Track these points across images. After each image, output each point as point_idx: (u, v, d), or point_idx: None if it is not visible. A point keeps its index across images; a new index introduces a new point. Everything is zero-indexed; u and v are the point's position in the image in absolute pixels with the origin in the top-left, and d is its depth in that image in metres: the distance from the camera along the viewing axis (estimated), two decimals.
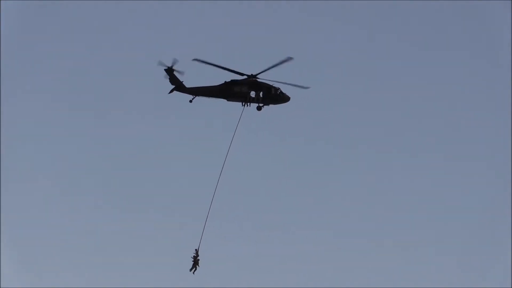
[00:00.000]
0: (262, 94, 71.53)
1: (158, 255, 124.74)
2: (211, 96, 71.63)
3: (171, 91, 70.98)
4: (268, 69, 69.44)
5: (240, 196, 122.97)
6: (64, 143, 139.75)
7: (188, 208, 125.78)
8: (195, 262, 65.02)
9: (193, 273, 65.14)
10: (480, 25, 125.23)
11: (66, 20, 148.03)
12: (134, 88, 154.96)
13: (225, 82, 71.33)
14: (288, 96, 72.30)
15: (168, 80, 70.67)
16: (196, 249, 65.35)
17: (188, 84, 71.41)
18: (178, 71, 69.96)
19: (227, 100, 71.85)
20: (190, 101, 71.40)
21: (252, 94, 71.48)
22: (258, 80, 71.05)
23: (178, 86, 70.49)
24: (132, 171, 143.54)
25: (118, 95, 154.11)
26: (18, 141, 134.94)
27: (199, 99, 71.77)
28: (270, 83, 71.53)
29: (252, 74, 70.42)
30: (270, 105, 72.39)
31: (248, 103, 71.45)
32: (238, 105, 72.14)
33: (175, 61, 69.59)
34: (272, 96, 71.76)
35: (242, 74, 70.41)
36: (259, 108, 71.80)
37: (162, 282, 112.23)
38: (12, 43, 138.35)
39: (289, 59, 67.28)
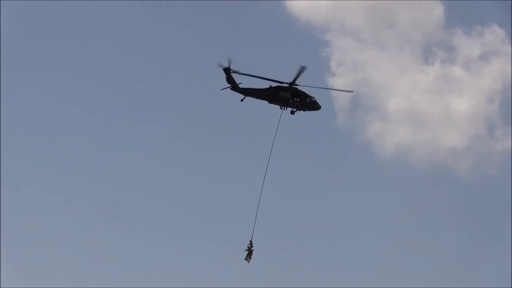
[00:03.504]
0: (299, 101, 79.47)
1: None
2: (258, 98, 78.44)
3: (224, 88, 76.98)
4: (295, 79, 77.65)
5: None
6: (66, 143, 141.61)
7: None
8: (249, 252, 72.56)
9: (248, 262, 72.69)
10: None
11: (66, 20, 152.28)
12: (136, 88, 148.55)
13: (271, 86, 78.32)
14: (320, 105, 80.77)
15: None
16: (250, 241, 72.85)
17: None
18: (235, 71, 75.95)
19: (269, 102, 79.02)
20: (242, 100, 77.88)
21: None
22: (299, 88, 78.99)
23: (234, 86, 76.57)
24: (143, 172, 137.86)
25: (119, 94, 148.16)
26: (18, 141, 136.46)
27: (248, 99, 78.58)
28: (309, 90, 79.81)
29: (291, 82, 78.13)
30: (303, 111, 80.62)
31: (286, 107, 79.19)
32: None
33: (230, 61, 75.63)
34: (307, 103, 79.90)
35: (281, 83, 77.96)
36: (292, 113, 79.61)
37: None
38: (12, 43, 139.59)
39: (304, 68, 75.87)
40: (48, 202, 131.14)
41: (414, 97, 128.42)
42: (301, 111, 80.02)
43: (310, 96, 79.92)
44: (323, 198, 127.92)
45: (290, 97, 78.64)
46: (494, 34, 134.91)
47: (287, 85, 78.13)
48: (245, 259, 72.59)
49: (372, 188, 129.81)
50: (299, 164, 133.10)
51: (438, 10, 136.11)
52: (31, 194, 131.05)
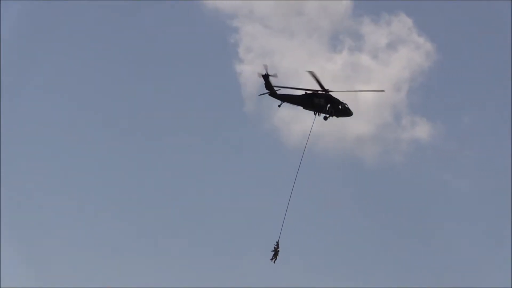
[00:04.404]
0: (332, 107, 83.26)
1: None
2: (294, 104, 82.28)
3: (263, 94, 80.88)
4: (343, 91, 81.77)
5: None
6: (66, 143, 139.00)
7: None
8: (276, 253, 77.34)
9: (274, 262, 77.50)
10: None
11: (66, 20, 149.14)
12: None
13: (306, 93, 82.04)
14: (352, 112, 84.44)
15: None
16: (277, 241, 77.58)
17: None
18: (272, 75, 79.71)
19: (303, 108, 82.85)
20: (279, 106, 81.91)
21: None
22: (332, 95, 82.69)
23: (272, 92, 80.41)
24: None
25: (120, 94, 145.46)
26: (19, 141, 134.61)
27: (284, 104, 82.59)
28: (341, 97, 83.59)
29: (328, 89, 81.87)
30: (334, 119, 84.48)
31: (319, 113, 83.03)
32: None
33: (267, 67, 79.53)
34: (339, 110, 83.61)
35: (316, 90, 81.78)
36: (325, 118, 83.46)
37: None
38: (12, 43, 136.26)
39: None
40: (48, 202, 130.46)
41: None
42: (334, 117, 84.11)
43: (343, 103, 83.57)
44: (228, 185, 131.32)
45: (324, 103, 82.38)
46: (402, 23, 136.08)
47: (322, 92, 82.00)
48: (271, 259, 77.42)
49: (278, 175, 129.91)
50: (208, 149, 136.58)
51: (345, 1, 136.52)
52: (31, 194, 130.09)
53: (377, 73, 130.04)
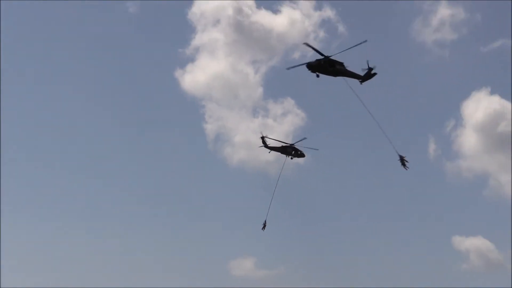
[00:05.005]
0: (295, 153, 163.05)
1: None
2: (276, 151, 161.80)
3: (261, 146, 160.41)
4: (298, 141, 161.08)
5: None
6: (64, 143, 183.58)
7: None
8: (264, 225, 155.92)
9: (263, 230, 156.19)
10: None
11: (65, 20, 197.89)
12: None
13: (282, 146, 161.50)
14: (305, 155, 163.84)
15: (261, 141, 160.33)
16: (265, 220, 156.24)
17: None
18: (266, 137, 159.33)
19: (281, 153, 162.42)
20: (269, 152, 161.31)
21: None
22: (295, 146, 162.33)
23: (265, 146, 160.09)
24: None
25: (122, 94, 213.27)
26: (19, 141, 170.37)
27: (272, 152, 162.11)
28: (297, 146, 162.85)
29: (291, 144, 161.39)
30: (296, 158, 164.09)
31: (288, 156, 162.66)
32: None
33: (261, 133, 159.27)
34: (298, 154, 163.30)
35: (286, 143, 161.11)
36: (291, 158, 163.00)
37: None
38: (12, 43, 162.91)
39: (304, 138, 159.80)
40: (48, 202, 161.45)
41: (248, 135, 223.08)
42: (296, 158, 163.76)
43: (301, 151, 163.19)
44: (198, 188, 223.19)
45: (291, 151, 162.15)
46: (289, 102, 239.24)
47: (290, 145, 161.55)
48: (262, 229, 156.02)
49: (225, 184, 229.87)
50: (187, 169, 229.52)
51: (259, 90, 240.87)
52: (31, 194, 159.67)
53: (277, 129, 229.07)
